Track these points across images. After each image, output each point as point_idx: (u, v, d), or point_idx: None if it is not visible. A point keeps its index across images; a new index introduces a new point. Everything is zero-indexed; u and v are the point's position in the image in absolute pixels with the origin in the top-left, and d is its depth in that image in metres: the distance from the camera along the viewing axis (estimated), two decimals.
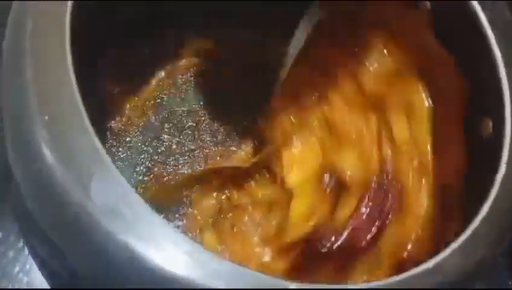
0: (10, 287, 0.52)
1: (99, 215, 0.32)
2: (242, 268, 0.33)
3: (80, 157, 0.33)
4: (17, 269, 0.52)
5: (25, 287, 0.52)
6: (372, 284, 0.35)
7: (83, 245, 0.33)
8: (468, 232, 0.37)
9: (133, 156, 0.58)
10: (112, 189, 0.33)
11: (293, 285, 0.33)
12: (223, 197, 0.57)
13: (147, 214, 0.33)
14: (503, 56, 0.43)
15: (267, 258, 0.51)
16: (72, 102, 0.34)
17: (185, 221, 0.56)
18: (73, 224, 0.33)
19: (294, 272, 0.48)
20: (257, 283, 0.32)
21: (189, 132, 0.60)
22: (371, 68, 0.51)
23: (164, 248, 0.32)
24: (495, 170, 0.39)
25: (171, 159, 0.59)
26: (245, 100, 0.61)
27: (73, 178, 0.33)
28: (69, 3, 0.37)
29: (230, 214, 0.56)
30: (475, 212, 0.38)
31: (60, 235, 0.34)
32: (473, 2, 0.45)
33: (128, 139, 0.59)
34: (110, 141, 0.58)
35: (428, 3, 0.49)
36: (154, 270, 0.32)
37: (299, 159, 0.55)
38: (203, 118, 0.61)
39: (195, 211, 0.56)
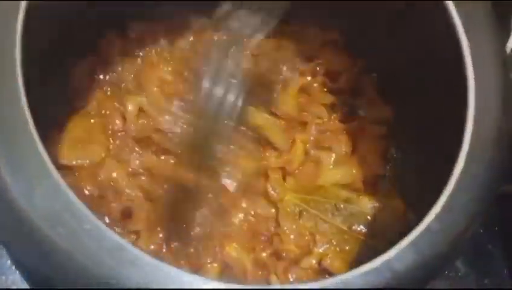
0: (4, 278, 0.54)
1: (41, 222, 0.33)
2: (179, 271, 0.34)
3: (26, 167, 0.35)
4: (9, 262, 0.55)
5: (18, 280, 0.54)
6: (316, 284, 0.35)
7: (28, 249, 0.34)
8: (420, 228, 0.37)
9: None
10: (55, 197, 0.34)
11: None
12: None
13: (90, 222, 0.34)
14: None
15: None
16: (21, 114, 0.36)
17: None
18: (19, 229, 0.34)
19: None
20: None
21: None
22: None
23: (105, 256, 0.33)
24: (452, 165, 0.39)
25: None
26: None
27: (19, 186, 0.34)
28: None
29: None
30: (428, 208, 0.38)
31: (12, 239, 0.36)
32: (447, 2, 0.44)
33: None
34: None
35: None
36: (94, 277, 0.33)
37: None
38: None
39: None
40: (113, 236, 0.34)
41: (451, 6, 0.43)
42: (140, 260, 0.34)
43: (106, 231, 0.34)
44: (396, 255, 0.36)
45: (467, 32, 0.42)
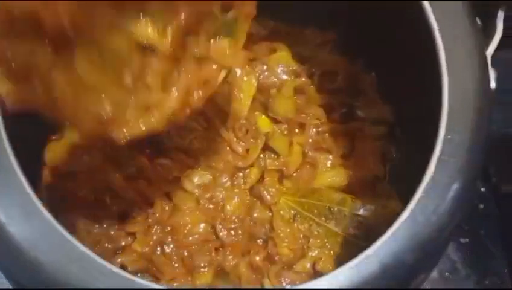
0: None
1: (8, 227, 0.35)
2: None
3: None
4: None
5: None
6: None
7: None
8: (385, 236, 0.36)
9: None
10: (19, 203, 0.35)
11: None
12: None
13: (53, 228, 0.35)
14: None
15: None
16: None
17: None
18: None
19: None
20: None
21: None
22: None
23: (67, 260, 0.34)
24: (422, 173, 0.38)
25: None
26: None
27: None
28: None
29: None
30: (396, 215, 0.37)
31: None
32: (424, 2, 0.43)
33: None
34: None
35: None
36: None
37: None
38: None
39: None
40: (81, 247, 0.35)
41: (427, 6, 0.42)
42: (105, 270, 0.35)
43: (70, 237, 0.35)
44: (359, 264, 0.35)
45: (441, 32, 0.41)
